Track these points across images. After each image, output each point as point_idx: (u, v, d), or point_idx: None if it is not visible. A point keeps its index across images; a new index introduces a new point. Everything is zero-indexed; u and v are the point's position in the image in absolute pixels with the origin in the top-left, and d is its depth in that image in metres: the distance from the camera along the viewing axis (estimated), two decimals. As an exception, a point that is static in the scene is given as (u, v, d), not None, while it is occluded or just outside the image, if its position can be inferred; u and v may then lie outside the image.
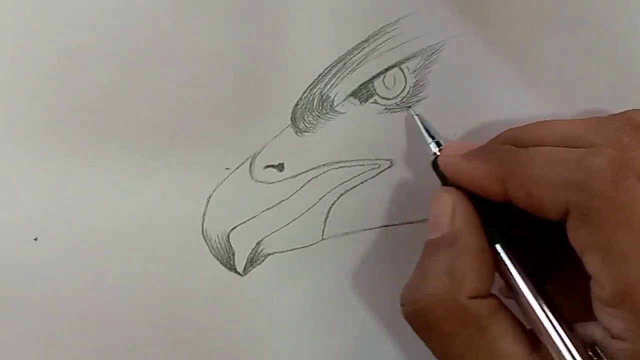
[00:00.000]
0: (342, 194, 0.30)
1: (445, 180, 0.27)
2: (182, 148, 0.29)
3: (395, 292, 0.30)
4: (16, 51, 0.28)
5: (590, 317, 0.23)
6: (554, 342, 0.23)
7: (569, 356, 0.23)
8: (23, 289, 0.29)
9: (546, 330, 0.24)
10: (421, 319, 0.25)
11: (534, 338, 0.24)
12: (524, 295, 0.24)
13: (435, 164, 0.27)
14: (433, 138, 0.28)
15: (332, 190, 0.30)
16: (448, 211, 0.26)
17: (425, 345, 0.25)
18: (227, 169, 0.30)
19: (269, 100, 0.29)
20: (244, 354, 0.30)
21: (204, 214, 0.29)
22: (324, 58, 0.29)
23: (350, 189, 0.30)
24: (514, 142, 0.26)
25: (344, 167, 0.30)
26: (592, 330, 0.23)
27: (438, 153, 0.28)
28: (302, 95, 0.29)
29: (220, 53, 0.29)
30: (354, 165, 0.30)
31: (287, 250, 0.30)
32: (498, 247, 0.25)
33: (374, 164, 0.30)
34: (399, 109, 0.30)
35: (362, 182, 0.30)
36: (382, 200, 0.30)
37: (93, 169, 0.29)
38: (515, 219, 0.25)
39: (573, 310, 0.24)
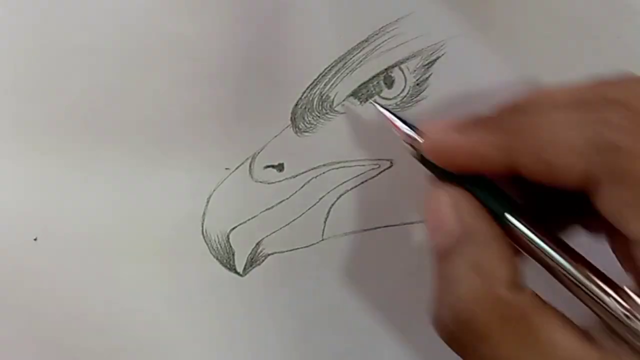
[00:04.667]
0: (342, 194, 0.30)
1: (436, 172, 0.25)
2: (182, 148, 0.29)
3: (395, 291, 0.30)
4: (16, 51, 0.28)
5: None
6: (593, 295, 0.22)
7: (616, 305, 0.21)
8: (23, 289, 0.29)
9: (584, 286, 0.22)
10: (467, 331, 0.22)
11: (581, 328, 0.22)
12: (553, 256, 0.22)
13: (424, 157, 0.25)
14: (412, 127, 0.26)
15: (332, 190, 0.30)
16: (450, 208, 0.24)
17: None
18: (227, 169, 0.30)
19: (268, 100, 0.29)
20: (243, 354, 0.30)
21: (204, 214, 0.30)
22: (324, 58, 0.29)
23: (350, 189, 0.30)
24: (517, 111, 0.23)
25: (344, 167, 0.30)
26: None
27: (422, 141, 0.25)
28: (302, 96, 0.29)
29: (220, 53, 0.29)
30: (354, 166, 0.30)
31: (287, 251, 0.30)
32: (508, 216, 0.23)
33: (374, 164, 0.30)
34: (399, 109, 0.30)
35: (362, 182, 0.30)
36: (382, 201, 0.30)
37: (93, 169, 0.29)
38: (519, 196, 0.24)
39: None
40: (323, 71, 0.29)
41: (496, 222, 0.23)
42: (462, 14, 0.29)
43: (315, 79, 0.29)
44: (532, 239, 0.23)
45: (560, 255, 0.22)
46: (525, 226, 0.23)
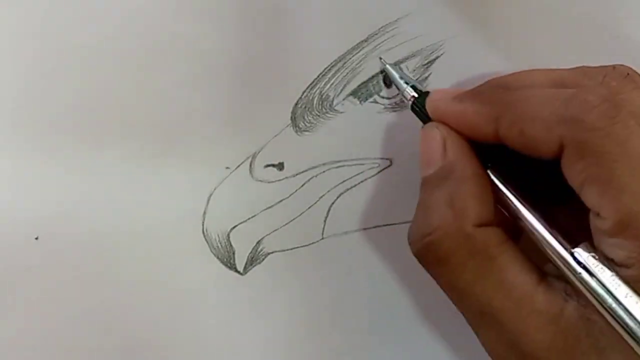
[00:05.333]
0: (341, 193, 0.30)
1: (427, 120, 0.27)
2: (182, 148, 0.29)
3: (395, 291, 0.31)
4: (16, 52, 0.28)
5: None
6: (557, 253, 0.23)
7: (576, 265, 0.23)
8: (23, 289, 0.29)
9: (547, 241, 0.24)
10: (431, 254, 0.25)
11: (541, 270, 0.24)
12: (521, 213, 0.24)
13: (416, 106, 0.27)
14: (408, 83, 0.28)
15: (331, 189, 0.30)
16: (439, 144, 0.26)
17: (437, 283, 0.25)
18: (227, 168, 0.30)
19: (269, 100, 0.29)
20: (243, 353, 0.30)
21: (205, 213, 0.30)
22: (324, 58, 0.29)
23: (350, 188, 0.30)
24: (504, 87, 0.26)
25: (344, 166, 0.30)
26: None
27: (416, 95, 0.28)
28: (302, 95, 0.29)
29: (220, 53, 0.29)
30: (354, 165, 0.30)
31: (287, 250, 0.30)
32: (490, 170, 0.25)
33: (374, 163, 0.30)
34: (398, 109, 0.30)
35: (361, 182, 0.30)
36: (382, 200, 0.30)
37: (93, 169, 0.29)
38: (506, 158, 0.25)
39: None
40: (323, 71, 0.29)
41: (481, 167, 0.25)
42: (462, 13, 0.29)
43: (315, 79, 0.29)
44: (505, 193, 0.25)
45: (527, 211, 0.24)
46: (500, 181, 0.25)
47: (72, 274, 0.29)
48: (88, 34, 0.28)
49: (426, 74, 0.30)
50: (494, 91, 0.26)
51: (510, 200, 0.25)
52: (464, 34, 0.29)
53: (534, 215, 0.24)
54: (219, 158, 0.29)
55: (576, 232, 0.24)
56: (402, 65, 0.29)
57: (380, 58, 0.29)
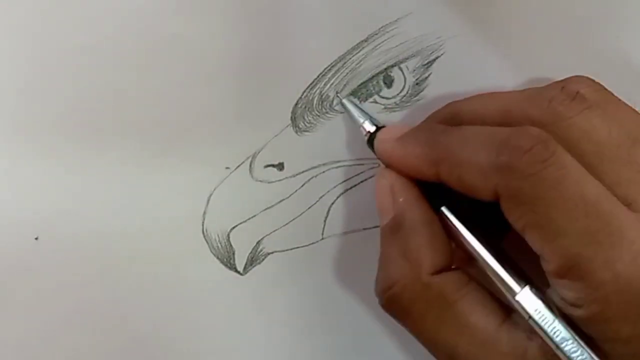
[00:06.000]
0: (341, 193, 0.30)
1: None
2: (182, 148, 0.29)
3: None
4: (16, 51, 0.28)
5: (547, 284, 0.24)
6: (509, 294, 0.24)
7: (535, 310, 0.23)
8: (23, 289, 0.29)
9: (499, 282, 0.24)
10: (395, 306, 0.25)
11: (506, 307, 0.24)
12: (477, 252, 0.24)
13: (370, 143, 0.28)
14: (366, 117, 0.28)
15: (331, 189, 0.30)
16: (388, 193, 0.26)
17: (408, 332, 0.25)
18: (227, 168, 0.30)
19: (269, 100, 0.29)
20: (243, 353, 0.30)
21: (204, 213, 0.30)
22: (324, 57, 0.29)
23: (350, 188, 0.30)
24: (452, 116, 0.26)
25: (344, 166, 0.30)
26: (551, 296, 0.23)
27: (371, 130, 0.28)
28: (302, 95, 0.29)
29: (220, 53, 0.29)
30: (354, 165, 0.30)
31: (287, 250, 0.30)
32: (444, 209, 0.25)
33: (374, 163, 0.30)
34: (398, 109, 0.30)
35: (361, 182, 0.30)
36: (382, 200, 0.30)
37: (93, 169, 0.29)
38: (456, 196, 0.25)
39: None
40: (323, 70, 0.29)
41: (433, 210, 0.25)
42: (462, 13, 0.29)
43: (315, 79, 0.29)
44: (459, 232, 0.25)
45: (483, 248, 0.24)
46: (452, 220, 0.25)
47: (72, 274, 0.29)
48: (88, 34, 0.28)
49: (426, 74, 0.30)
50: (435, 131, 0.25)
51: (464, 239, 0.25)
52: (464, 34, 0.29)
53: (485, 255, 0.24)
54: (219, 158, 0.29)
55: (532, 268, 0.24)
56: (402, 66, 0.29)
57: (337, 94, 0.29)
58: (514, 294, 0.23)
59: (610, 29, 0.29)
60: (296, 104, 0.29)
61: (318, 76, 0.29)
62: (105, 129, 0.29)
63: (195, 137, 0.29)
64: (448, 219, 0.25)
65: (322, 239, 0.30)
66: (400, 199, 0.26)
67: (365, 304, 0.31)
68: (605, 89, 0.25)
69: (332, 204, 0.30)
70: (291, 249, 0.30)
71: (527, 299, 0.23)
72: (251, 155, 0.30)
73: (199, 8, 0.28)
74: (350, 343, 0.31)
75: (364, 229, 0.30)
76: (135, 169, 0.29)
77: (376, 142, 0.27)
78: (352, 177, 0.30)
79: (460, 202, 0.25)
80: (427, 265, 0.24)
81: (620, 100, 0.25)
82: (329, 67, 0.29)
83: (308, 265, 0.30)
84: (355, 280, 0.30)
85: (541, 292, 0.23)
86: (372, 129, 0.28)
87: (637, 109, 0.26)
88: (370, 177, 0.30)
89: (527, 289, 0.23)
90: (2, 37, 0.28)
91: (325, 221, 0.30)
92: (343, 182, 0.30)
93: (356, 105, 0.29)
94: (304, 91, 0.29)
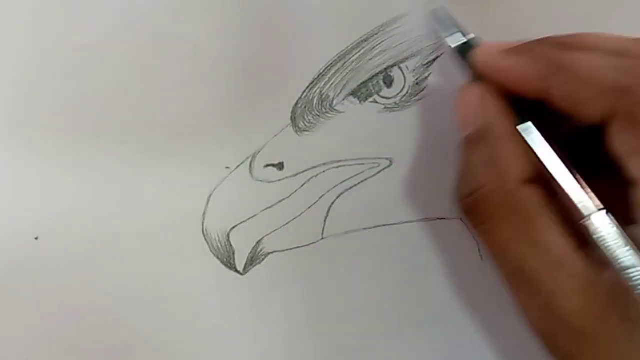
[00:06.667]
0: (341, 193, 0.30)
1: (471, 73, 0.27)
2: (182, 147, 0.29)
3: (394, 290, 0.31)
4: (16, 51, 0.28)
5: (630, 222, 0.23)
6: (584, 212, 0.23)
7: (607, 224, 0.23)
8: (23, 289, 0.29)
9: (580, 200, 0.24)
10: (476, 210, 0.25)
11: (584, 238, 0.24)
12: (559, 170, 0.24)
13: (461, 53, 0.27)
14: (458, 29, 0.28)
15: (331, 189, 0.30)
16: (477, 103, 0.26)
17: (482, 243, 0.25)
18: (227, 168, 0.30)
19: (269, 100, 0.29)
20: (243, 353, 0.30)
21: (204, 213, 0.30)
22: (324, 57, 0.29)
23: (350, 188, 0.30)
24: (561, 45, 0.26)
25: (344, 166, 0.30)
26: (633, 232, 0.23)
27: (465, 40, 0.27)
28: (302, 95, 0.29)
29: (220, 53, 0.29)
30: (354, 165, 0.30)
31: (287, 250, 0.30)
32: (531, 125, 0.25)
33: (374, 163, 0.30)
34: (398, 108, 0.30)
35: (361, 182, 0.30)
36: (382, 200, 0.30)
37: (93, 169, 0.29)
38: (546, 119, 0.25)
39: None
40: (323, 70, 0.29)
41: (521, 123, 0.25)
42: (462, 13, 0.29)
43: (315, 78, 0.29)
44: (543, 149, 0.25)
45: (565, 168, 0.24)
46: (541, 136, 0.25)
47: (72, 274, 0.29)
48: (88, 33, 0.28)
49: (426, 74, 0.30)
50: (549, 49, 0.25)
51: (548, 157, 0.25)
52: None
53: (567, 174, 0.24)
54: (219, 158, 0.29)
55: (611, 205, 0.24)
56: (401, 66, 0.29)
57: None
58: (590, 212, 0.23)
59: (610, 29, 0.29)
60: (296, 104, 0.29)
61: (318, 76, 0.29)
62: (105, 129, 0.29)
63: (195, 137, 0.29)
64: (534, 134, 0.25)
65: (322, 238, 0.30)
66: (489, 109, 0.25)
67: (365, 304, 0.31)
68: None
69: (332, 204, 0.30)
70: (291, 249, 0.30)
71: (601, 221, 0.23)
72: (251, 155, 0.30)
73: (199, 8, 0.28)
74: (350, 343, 0.31)
75: (364, 229, 0.30)
76: (135, 169, 0.29)
77: (479, 52, 0.26)
78: (352, 177, 0.30)
79: (545, 124, 0.25)
80: (514, 174, 0.24)
81: None
82: (328, 67, 0.29)
83: (308, 265, 0.30)
84: (355, 280, 0.30)
85: (622, 226, 0.23)
86: (464, 39, 0.27)
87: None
88: (371, 176, 0.30)
89: (603, 212, 0.23)
90: (2, 37, 0.28)
91: (325, 221, 0.30)
92: (343, 182, 0.30)
93: (445, 17, 0.28)
94: (304, 91, 0.29)
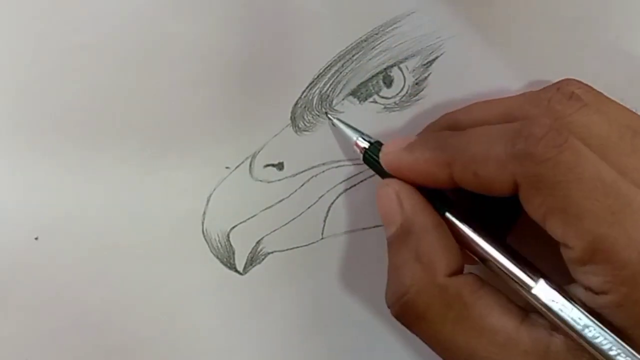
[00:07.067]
0: (341, 193, 0.30)
1: (383, 173, 0.27)
2: (182, 147, 0.29)
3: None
4: (16, 52, 0.28)
5: (567, 280, 0.23)
6: (520, 284, 0.23)
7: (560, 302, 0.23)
8: (23, 289, 0.29)
9: (514, 279, 0.24)
10: (410, 312, 0.25)
11: (522, 309, 0.24)
12: (488, 252, 0.24)
13: (366, 159, 0.28)
14: (360, 134, 0.28)
15: (331, 189, 0.30)
16: (394, 201, 0.26)
17: (423, 341, 0.25)
18: (227, 168, 0.30)
19: (268, 100, 0.29)
20: (243, 353, 0.30)
21: (204, 213, 0.30)
22: (323, 57, 0.29)
23: (350, 187, 0.30)
24: (453, 126, 0.27)
25: (343, 166, 0.30)
26: (574, 291, 0.23)
27: (366, 147, 0.28)
28: (302, 95, 0.29)
29: (220, 53, 0.29)
30: (353, 164, 0.30)
31: (287, 249, 0.30)
32: (449, 214, 0.25)
33: (371, 168, 0.30)
34: (398, 108, 0.30)
35: (361, 181, 0.30)
36: (382, 199, 0.30)
37: (93, 169, 0.29)
38: (464, 201, 0.25)
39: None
40: (322, 70, 0.29)
41: (439, 215, 0.26)
42: (462, 13, 0.29)
43: (315, 78, 0.29)
44: (467, 234, 0.25)
45: (493, 248, 0.24)
46: (461, 222, 0.25)
47: (72, 274, 0.29)
48: (87, 34, 0.28)
49: (426, 74, 0.30)
50: (443, 135, 0.26)
51: (473, 241, 0.25)
52: (465, 34, 0.29)
53: (496, 254, 0.24)
54: (219, 158, 0.29)
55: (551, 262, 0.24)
56: (401, 66, 0.29)
57: (327, 113, 0.29)
58: (529, 288, 0.23)
59: (610, 29, 0.29)
60: (296, 104, 0.29)
61: (318, 76, 0.29)
62: (105, 129, 0.29)
63: (195, 137, 0.29)
64: (454, 223, 0.25)
65: (322, 238, 0.30)
66: (407, 205, 0.26)
67: (365, 304, 0.31)
68: (595, 89, 0.26)
69: (332, 204, 0.30)
70: (291, 249, 0.30)
71: (543, 291, 0.23)
72: (251, 155, 0.30)
73: (198, 8, 0.28)
74: (350, 343, 0.31)
75: (364, 228, 0.30)
76: (135, 169, 0.29)
77: (382, 154, 0.27)
78: (352, 177, 0.30)
79: (461, 207, 0.26)
80: (442, 267, 0.24)
81: (610, 98, 0.26)
82: (328, 67, 0.29)
83: (308, 265, 0.30)
84: (355, 280, 0.30)
85: (560, 288, 0.23)
86: (366, 145, 0.28)
87: (637, 109, 0.26)
88: (371, 176, 0.30)
89: (542, 281, 0.23)
90: (2, 37, 0.28)
91: (325, 221, 0.30)
92: (343, 182, 0.30)
93: (347, 124, 0.29)
94: (304, 91, 0.29)
